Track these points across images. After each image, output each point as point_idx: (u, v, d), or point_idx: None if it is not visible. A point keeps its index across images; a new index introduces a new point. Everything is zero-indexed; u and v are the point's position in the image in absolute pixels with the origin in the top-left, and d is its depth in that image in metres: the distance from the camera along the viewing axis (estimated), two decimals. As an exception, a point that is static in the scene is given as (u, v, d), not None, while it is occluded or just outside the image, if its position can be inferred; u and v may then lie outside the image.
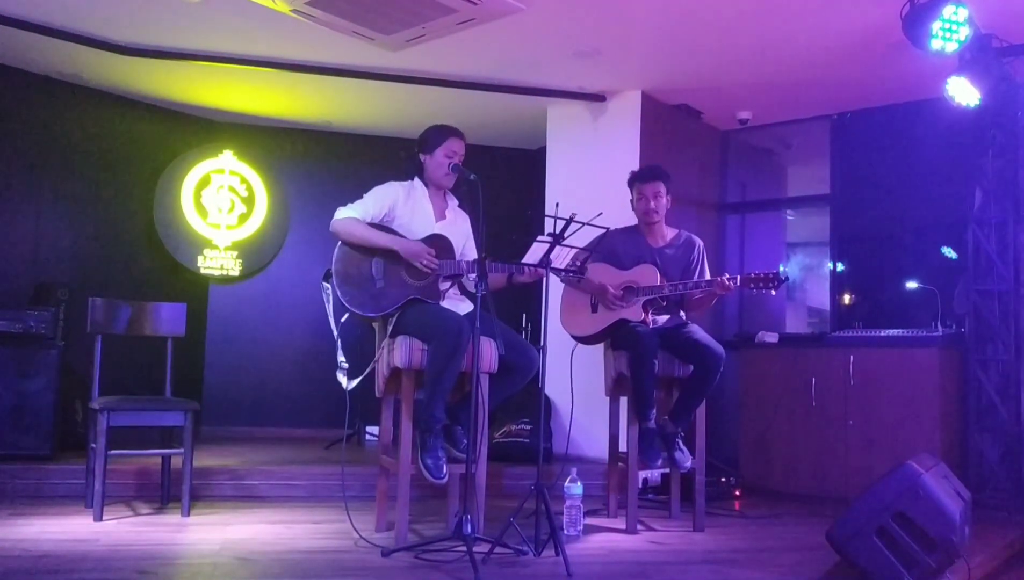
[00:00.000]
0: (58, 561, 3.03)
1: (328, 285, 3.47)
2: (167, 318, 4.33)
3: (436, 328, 3.35)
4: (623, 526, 3.99)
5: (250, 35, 4.99)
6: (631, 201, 4.27)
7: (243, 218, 6.56)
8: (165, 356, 4.27)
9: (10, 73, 5.56)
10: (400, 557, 3.22)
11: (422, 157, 3.68)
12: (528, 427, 5.21)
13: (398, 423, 3.51)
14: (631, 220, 4.30)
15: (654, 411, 3.97)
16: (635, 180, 4.26)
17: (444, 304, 3.55)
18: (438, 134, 3.64)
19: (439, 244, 3.57)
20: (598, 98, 5.84)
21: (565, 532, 3.73)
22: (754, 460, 5.35)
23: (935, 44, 4.22)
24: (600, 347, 4.26)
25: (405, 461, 3.37)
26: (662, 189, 4.19)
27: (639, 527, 4.01)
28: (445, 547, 3.26)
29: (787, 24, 4.63)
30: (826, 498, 4.93)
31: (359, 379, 3.51)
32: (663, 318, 4.14)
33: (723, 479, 5.07)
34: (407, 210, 3.61)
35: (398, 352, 3.40)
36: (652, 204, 4.18)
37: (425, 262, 3.44)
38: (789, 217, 6.72)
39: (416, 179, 3.70)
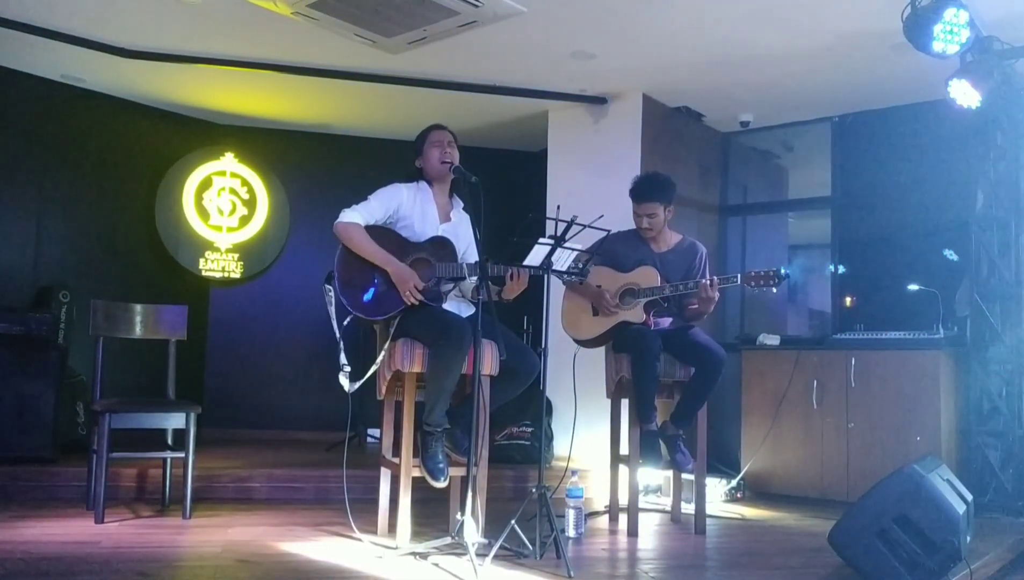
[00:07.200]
0: (59, 563, 3.02)
1: (330, 287, 3.46)
2: (169, 320, 4.32)
3: (438, 331, 3.34)
4: (624, 528, 3.99)
5: (251, 38, 5.00)
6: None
7: (244, 220, 6.57)
8: (167, 358, 4.26)
9: (13, 76, 5.57)
10: (402, 560, 3.22)
11: (419, 164, 3.72)
12: (529, 429, 5.21)
13: (399, 425, 3.51)
14: (633, 223, 4.28)
15: (656, 413, 3.97)
16: (630, 194, 4.19)
17: (446, 306, 3.55)
18: (421, 135, 3.75)
19: (441, 246, 3.57)
20: (599, 100, 5.84)
21: (566, 534, 3.73)
22: (755, 462, 5.34)
23: (936, 46, 4.23)
24: (601, 349, 4.25)
25: (406, 463, 3.37)
26: (658, 209, 4.11)
27: (640, 529, 4.00)
28: (447, 550, 3.26)
29: (788, 26, 4.63)
30: (827, 500, 4.92)
31: (361, 382, 3.50)
32: (664, 321, 4.14)
33: (724, 481, 5.07)
34: (412, 211, 3.61)
35: (399, 355, 3.40)
36: (645, 222, 4.14)
37: (408, 293, 3.41)
38: (790, 219, 6.72)
39: (421, 181, 3.71)
